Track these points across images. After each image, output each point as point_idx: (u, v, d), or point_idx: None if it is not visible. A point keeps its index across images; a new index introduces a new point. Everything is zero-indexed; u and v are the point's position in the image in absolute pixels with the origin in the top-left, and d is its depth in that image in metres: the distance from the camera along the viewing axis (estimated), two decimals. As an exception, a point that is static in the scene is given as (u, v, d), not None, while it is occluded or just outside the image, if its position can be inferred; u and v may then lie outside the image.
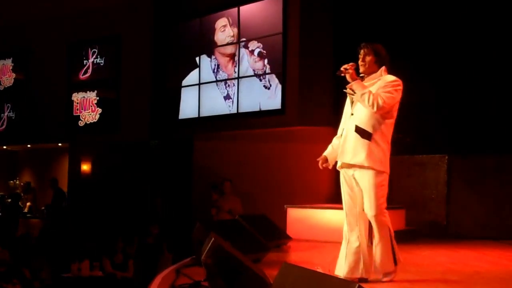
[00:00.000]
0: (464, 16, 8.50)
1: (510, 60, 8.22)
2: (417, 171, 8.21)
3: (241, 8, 10.59)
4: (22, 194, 14.62)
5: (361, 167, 4.37)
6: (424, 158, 8.25)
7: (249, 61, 10.32)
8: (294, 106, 9.69)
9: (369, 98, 4.28)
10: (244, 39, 10.55)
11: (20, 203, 14.07)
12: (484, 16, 8.37)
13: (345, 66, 4.48)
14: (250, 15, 10.53)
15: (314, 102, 9.71)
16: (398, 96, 4.41)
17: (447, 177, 8.04)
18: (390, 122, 4.44)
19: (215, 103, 10.93)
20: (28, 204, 14.10)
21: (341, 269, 4.51)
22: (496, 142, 8.08)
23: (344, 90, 4.50)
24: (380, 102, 4.27)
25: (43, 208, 13.54)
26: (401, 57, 8.08)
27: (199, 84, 11.23)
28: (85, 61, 13.55)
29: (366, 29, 8.80)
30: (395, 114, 4.46)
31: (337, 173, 9.67)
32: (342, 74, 4.47)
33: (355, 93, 4.37)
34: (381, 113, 4.34)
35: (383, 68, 4.52)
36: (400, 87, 4.43)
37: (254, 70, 10.30)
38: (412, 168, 8.23)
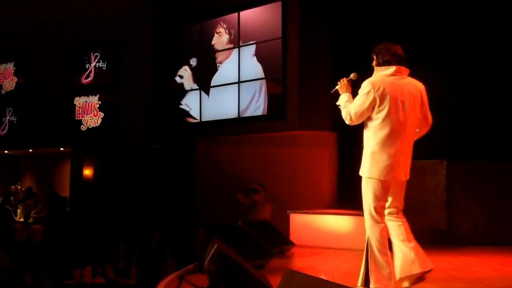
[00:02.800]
0: (462, 20, 8.51)
1: (507, 67, 8.23)
2: (416, 176, 8.18)
3: (241, 13, 10.63)
4: (12, 198, 14.54)
5: None
6: (423, 163, 8.24)
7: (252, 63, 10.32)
8: (295, 111, 9.73)
9: (342, 112, 4.42)
10: (243, 43, 10.61)
11: (9, 207, 13.91)
12: (482, 23, 8.39)
13: (341, 80, 4.59)
14: (250, 20, 10.58)
15: (315, 106, 9.75)
16: (366, 100, 4.28)
17: (446, 183, 8.05)
18: (374, 125, 4.33)
19: (224, 106, 10.92)
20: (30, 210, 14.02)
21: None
22: (493, 148, 8.14)
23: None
24: (346, 115, 4.39)
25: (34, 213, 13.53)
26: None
27: (200, 88, 11.26)
28: (87, 65, 13.56)
29: (365, 35, 8.85)
30: (379, 115, 4.31)
31: (340, 178, 9.70)
32: (333, 90, 4.60)
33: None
34: (354, 124, 4.40)
35: (376, 69, 4.51)
36: (366, 90, 4.30)
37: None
38: (411, 173, 8.15)
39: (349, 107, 4.35)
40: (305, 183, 9.81)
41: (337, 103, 4.52)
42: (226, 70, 10.74)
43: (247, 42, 10.42)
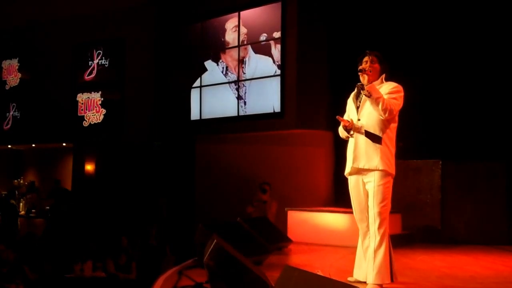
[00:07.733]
0: (456, 26, 8.59)
1: (503, 69, 8.32)
2: (411, 176, 8.32)
3: (242, 13, 10.75)
4: (16, 193, 14.61)
5: (373, 170, 4.48)
6: (418, 163, 8.34)
7: (274, 54, 10.24)
8: (293, 109, 9.83)
9: (383, 103, 4.38)
10: (244, 41, 10.70)
11: (13, 202, 14.02)
12: (476, 27, 8.45)
13: (367, 67, 4.53)
14: (250, 20, 10.69)
15: (312, 106, 9.85)
16: (401, 103, 4.55)
17: (441, 182, 8.16)
18: (394, 127, 4.59)
19: (223, 104, 11.00)
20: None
21: (364, 276, 4.57)
22: (487, 149, 8.23)
23: (362, 91, 4.49)
24: (386, 107, 4.39)
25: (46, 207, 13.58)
26: (395, 63, 8.22)
27: (200, 86, 11.35)
28: (90, 62, 13.67)
29: (360, 36, 8.96)
30: (397, 119, 4.60)
31: (336, 176, 9.76)
32: (364, 74, 4.49)
33: (370, 95, 4.42)
34: (388, 118, 4.47)
35: (383, 75, 4.65)
36: (403, 94, 4.57)
37: (279, 65, 10.18)
38: (407, 173, 8.25)
39: (391, 103, 4.44)
40: (303, 180, 9.89)
41: (367, 90, 4.42)
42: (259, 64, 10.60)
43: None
